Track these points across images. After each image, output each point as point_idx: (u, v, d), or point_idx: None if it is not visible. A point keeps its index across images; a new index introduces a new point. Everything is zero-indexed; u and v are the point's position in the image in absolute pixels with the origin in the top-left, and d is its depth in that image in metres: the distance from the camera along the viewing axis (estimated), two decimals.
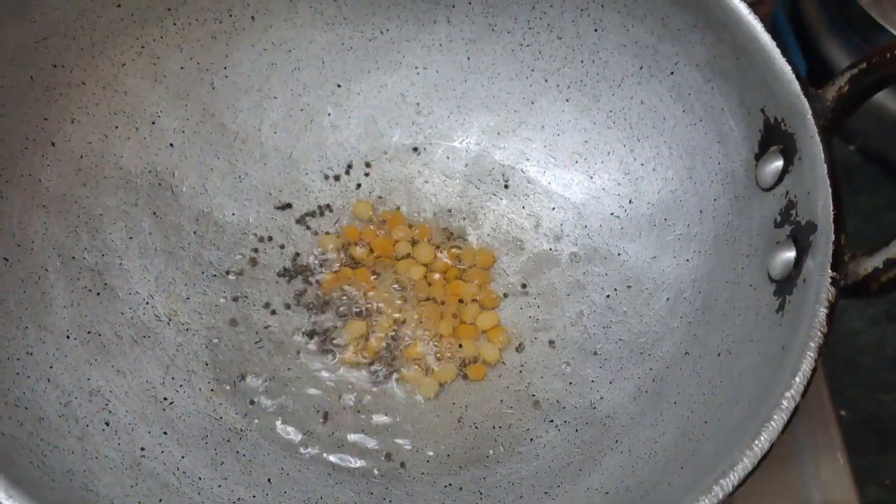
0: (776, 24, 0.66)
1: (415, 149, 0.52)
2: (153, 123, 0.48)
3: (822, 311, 0.33)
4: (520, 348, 0.46)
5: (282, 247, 0.49)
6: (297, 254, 0.49)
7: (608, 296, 0.47)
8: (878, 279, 0.34)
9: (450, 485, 0.42)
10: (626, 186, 0.49)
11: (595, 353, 0.45)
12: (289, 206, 0.50)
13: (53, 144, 0.44)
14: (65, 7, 0.43)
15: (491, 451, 0.43)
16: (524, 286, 0.49)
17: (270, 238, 0.49)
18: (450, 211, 0.51)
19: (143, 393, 0.42)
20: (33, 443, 0.36)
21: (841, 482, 0.47)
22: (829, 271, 0.34)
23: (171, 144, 0.48)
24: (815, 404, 0.49)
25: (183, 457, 0.40)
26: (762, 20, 0.40)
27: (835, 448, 0.48)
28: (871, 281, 0.34)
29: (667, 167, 0.47)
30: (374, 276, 0.49)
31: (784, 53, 0.39)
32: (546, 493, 0.40)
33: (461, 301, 0.48)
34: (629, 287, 0.47)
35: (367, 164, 0.52)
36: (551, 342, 0.47)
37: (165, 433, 0.41)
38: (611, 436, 0.41)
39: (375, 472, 0.42)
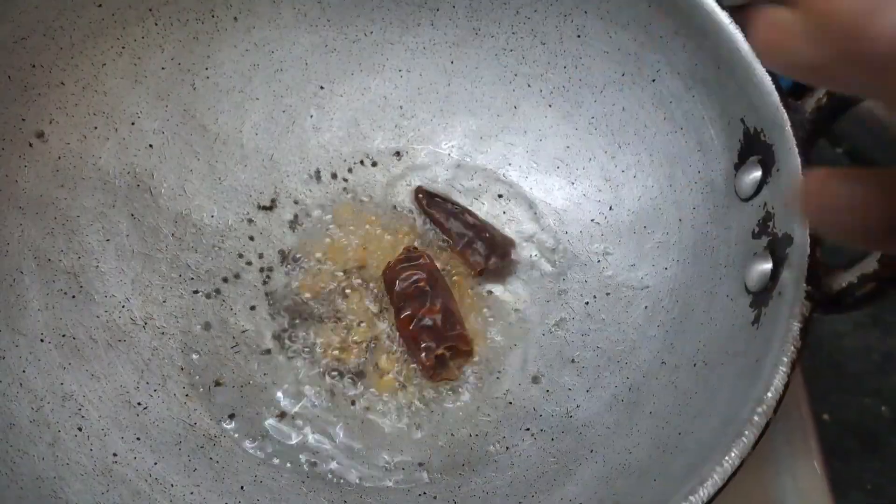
0: None
1: (397, 152, 0.52)
2: (133, 124, 0.47)
3: (797, 326, 0.33)
4: (498, 355, 0.46)
5: (260, 251, 0.49)
6: (278, 257, 0.49)
7: (587, 303, 0.47)
8: (853, 294, 0.34)
9: (424, 493, 0.41)
10: (607, 193, 0.48)
11: (573, 361, 0.45)
12: (269, 208, 0.50)
13: (31, 145, 0.44)
14: (44, 6, 0.43)
15: (466, 460, 0.43)
16: (504, 292, 0.48)
17: (252, 238, 0.49)
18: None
19: (117, 398, 0.42)
20: (2, 449, 0.36)
21: (817, 490, 0.47)
22: (805, 285, 0.34)
23: (151, 145, 0.48)
24: (794, 411, 0.49)
25: (156, 463, 0.40)
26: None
27: (812, 456, 0.48)
28: (846, 296, 0.34)
29: (647, 174, 0.47)
30: (354, 284, 0.48)
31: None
32: (520, 502, 0.40)
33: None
34: (608, 294, 0.46)
35: (350, 168, 0.51)
36: (530, 349, 0.46)
37: (139, 439, 0.41)
38: (586, 445, 0.41)
39: (350, 480, 0.42)
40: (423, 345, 0.44)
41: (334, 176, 0.51)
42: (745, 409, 0.32)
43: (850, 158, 0.65)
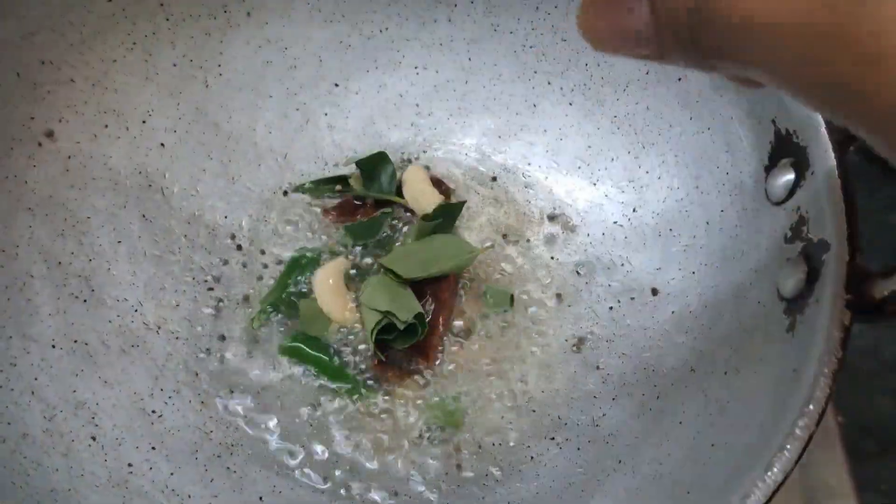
0: None
1: (413, 152, 0.51)
2: (144, 123, 0.46)
3: (837, 335, 0.32)
4: (520, 361, 0.45)
5: (276, 252, 0.48)
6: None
7: (611, 307, 0.46)
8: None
9: None
10: (630, 194, 0.47)
11: (598, 368, 0.44)
12: (283, 208, 0.49)
13: (40, 144, 0.42)
14: (53, 1, 0.41)
15: (489, 470, 0.42)
16: (525, 295, 0.47)
17: (267, 239, 0.48)
18: None
19: (131, 405, 0.41)
20: (16, 461, 0.35)
21: (842, 491, 0.46)
22: (844, 293, 0.33)
23: (163, 144, 0.47)
24: None
25: (172, 473, 0.39)
26: None
27: (837, 457, 0.47)
28: (889, 304, 0.33)
29: (672, 175, 0.45)
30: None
31: None
32: None
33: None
34: (633, 299, 0.45)
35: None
36: (552, 355, 0.45)
37: (154, 448, 0.40)
38: (614, 455, 0.40)
39: (372, 490, 0.41)
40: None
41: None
42: (785, 422, 0.31)
43: (862, 156, 0.64)
